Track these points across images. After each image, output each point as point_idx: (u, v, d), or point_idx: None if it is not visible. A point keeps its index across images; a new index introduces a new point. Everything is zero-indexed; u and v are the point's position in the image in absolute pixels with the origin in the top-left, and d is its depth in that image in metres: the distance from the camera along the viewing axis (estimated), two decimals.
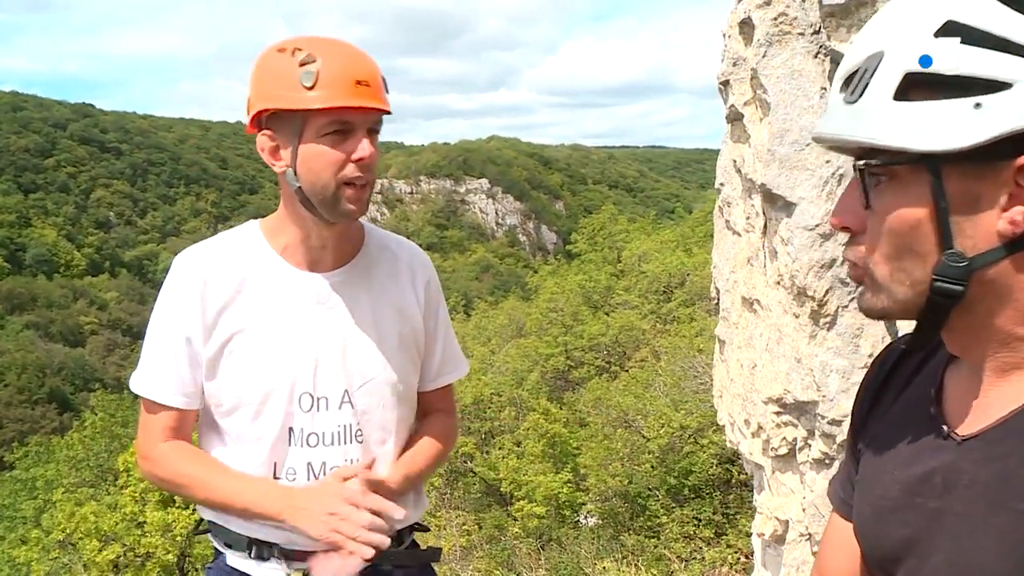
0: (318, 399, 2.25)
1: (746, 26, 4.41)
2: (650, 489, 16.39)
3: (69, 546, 16.01)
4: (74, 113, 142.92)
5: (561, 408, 21.86)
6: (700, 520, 15.37)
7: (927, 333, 1.13)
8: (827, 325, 4.15)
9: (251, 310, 2.24)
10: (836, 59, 4.06)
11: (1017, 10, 0.96)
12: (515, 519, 17.32)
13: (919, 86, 1.01)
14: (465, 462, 19.53)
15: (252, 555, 2.27)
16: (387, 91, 2.17)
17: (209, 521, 2.36)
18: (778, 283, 4.39)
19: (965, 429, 1.12)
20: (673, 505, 15.92)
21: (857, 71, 1.07)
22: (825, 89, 4.07)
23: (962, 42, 0.97)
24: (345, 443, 2.28)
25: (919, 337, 1.14)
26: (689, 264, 29.68)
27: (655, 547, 14.95)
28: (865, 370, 4.05)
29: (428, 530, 2.61)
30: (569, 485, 18.21)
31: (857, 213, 1.12)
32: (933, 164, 1.01)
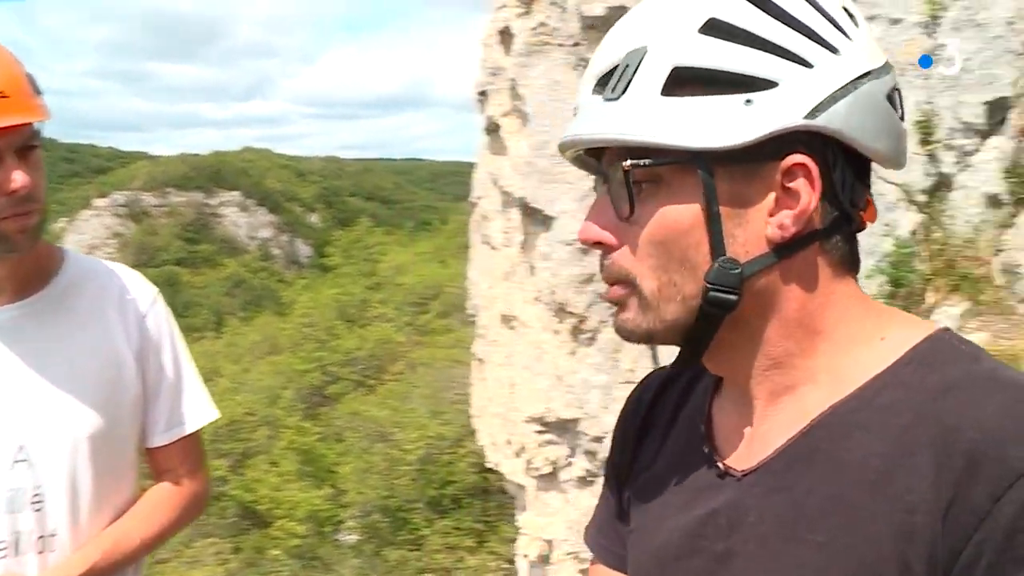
0: None
1: (505, 35, 4.37)
2: (410, 501, 16.35)
3: None
4: None
5: (316, 423, 21.50)
6: (462, 529, 15.48)
7: (695, 352, 1.05)
8: (587, 341, 4.15)
9: None
10: None
11: (772, 15, 0.97)
12: (275, 540, 16.83)
13: (688, 82, 0.96)
14: (218, 486, 18.76)
15: None
16: (38, 91, 1.85)
17: None
18: (537, 299, 4.36)
19: (743, 463, 1.05)
20: (434, 516, 15.96)
21: (615, 68, 1.00)
22: None
23: (727, 40, 0.96)
24: (15, 512, 1.90)
25: (686, 358, 1.07)
26: (445, 276, 30.07)
27: (419, 559, 14.92)
28: (627, 386, 4.07)
29: None
30: (330, 502, 17.92)
31: (612, 226, 1.03)
32: (706, 164, 0.96)
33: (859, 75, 0.97)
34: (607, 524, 1.28)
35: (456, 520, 15.56)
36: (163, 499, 2.12)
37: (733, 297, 0.98)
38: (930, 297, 3.91)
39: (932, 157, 4.33)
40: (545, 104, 3.92)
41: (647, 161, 0.98)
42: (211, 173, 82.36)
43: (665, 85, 0.96)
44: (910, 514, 0.88)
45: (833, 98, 0.95)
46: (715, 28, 0.96)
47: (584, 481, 3.90)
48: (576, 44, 3.88)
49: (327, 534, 17.67)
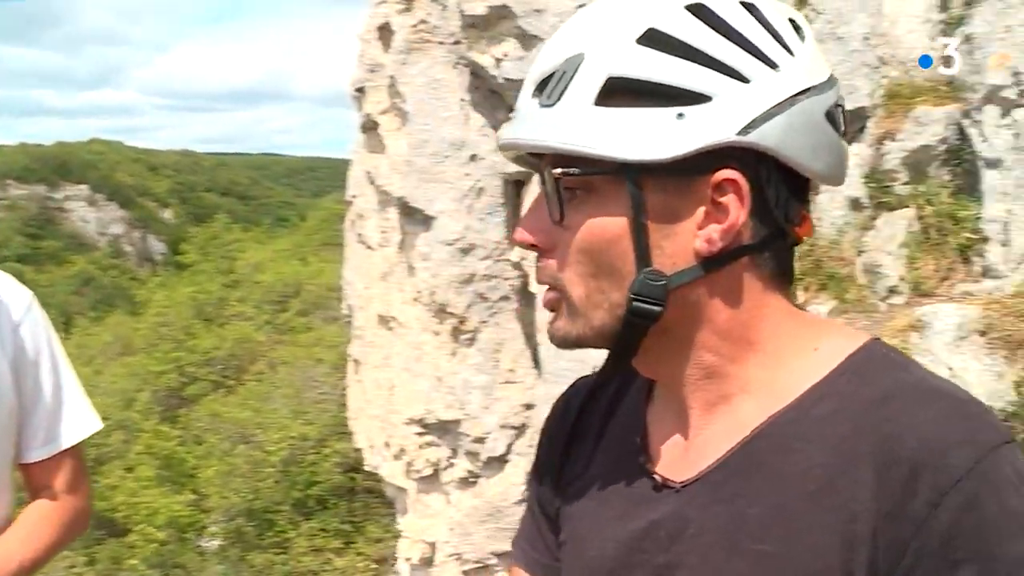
0: None
1: (385, 31, 4.28)
2: (275, 504, 16.07)
3: None
4: None
5: (175, 427, 20.93)
6: (328, 531, 15.32)
7: (621, 360, 1.06)
8: (468, 342, 4.11)
9: None
10: (476, 70, 4.06)
11: (713, 28, 0.97)
12: (133, 548, 16.26)
13: (622, 92, 0.96)
14: None
15: None
16: None
17: None
18: (416, 300, 4.29)
19: (682, 474, 1.05)
20: (300, 518, 15.73)
21: (553, 74, 1.00)
22: (464, 100, 4.06)
23: (664, 51, 0.96)
24: None
25: (613, 365, 1.08)
26: (305, 273, 29.72)
27: (284, 563, 14.70)
28: (507, 386, 4.06)
29: None
30: (191, 507, 17.40)
31: (546, 229, 1.04)
32: (634, 175, 0.97)
33: (797, 92, 0.97)
34: (536, 535, 1.27)
35: (322, 521, 15.35)
36: (43, 517, 1.99)
37: (657, 308, 0.99)
38: (800, 296, 4.04)
39: None
40: (425, 102, 3.87)
41: (576, 170, 0.98)
42: (56, 165, 78.63)
43: (599, 94, 0.96)
44: (852, 523, 0.91)
45: (768, 115, 0.95)
46: (653, 39, 0.96)
47: (466, 482, 3.87)
48: (457, 42, 3.84)
49: (189, 540, 17.16)
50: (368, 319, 4.49)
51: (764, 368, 1.02)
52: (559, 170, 0.99)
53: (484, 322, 3.87)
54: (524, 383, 3.97)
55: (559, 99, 0.98)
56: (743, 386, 1.03)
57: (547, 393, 3.63)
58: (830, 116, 1.00)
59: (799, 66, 0.98)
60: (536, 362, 3.91)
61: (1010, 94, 4.44)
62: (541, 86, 1.02)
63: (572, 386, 1.29)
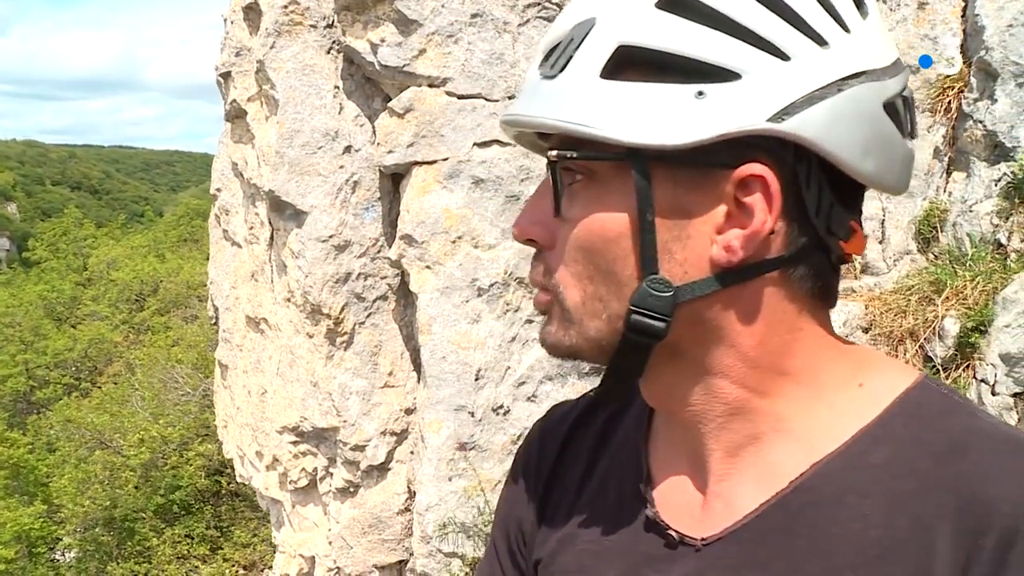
0: None
1: (252, 12, 4.00)
2: (136, 511, 15.60)
3: None
4: None
5: (24, 434, 20.13)
6: (193, 537, 15.01)
7: (620, 382, 0.90)
8: (344, 344, 3.88)
9: None
10: (351, 56, 3.82)
11: None
12: None
13: (634, 64, 0.81)
14: None
15: None
16: None
17: None
18: (288, 300, 4.03)
19: (701, 530, 0.89)
20: (163, 525, 15.33)
21: (561, 42, 0.86)
22: (339, 88, 3.83)
23: (688, 18, 0.80)
24: None
25: (611, 389, 0.91)
26: (162, 271, 29.22)
27: (147, 573, 14.36)
28: (387, 391, 3.86)
29: None
30: (42, 519, 16.68)
31: (545, 223, 0.90)
32: (642, 163, 0.82)
33: (849, 75, 0.81)
34: None
35: (187, 527, 14.98)
36: None
37: (660, 324, 0.83)
38: None
39: None
40: (296, 90, 3.64)
41: (573, 153, 0.84)
42: None
43: (606, 66, 0.81)
44: None
45: (809, 99, 0.79)
46: (677, 4, 0.81)
47: (346, 492, 3.67)
48: (330, 26, 3.62)
49: (40, 555, 16.45)
50: (236, 321, 4.24)
51: (802, 403, 0.87)
52: (555, 152, 0.84)
53: (361, 323, 3.67)
54: (404, 387, 3.78)
55: (562, 70, 0.84)
56: (776, 424, 0.88)
57: (429, 397, 3.46)
58: (890, 108, 0.84)
59: (855, 45, 0.82)
60: (416, 365, 3.73)
61: None
62: (548, 56, 0.87)
63: (548, 415, 1.11)
